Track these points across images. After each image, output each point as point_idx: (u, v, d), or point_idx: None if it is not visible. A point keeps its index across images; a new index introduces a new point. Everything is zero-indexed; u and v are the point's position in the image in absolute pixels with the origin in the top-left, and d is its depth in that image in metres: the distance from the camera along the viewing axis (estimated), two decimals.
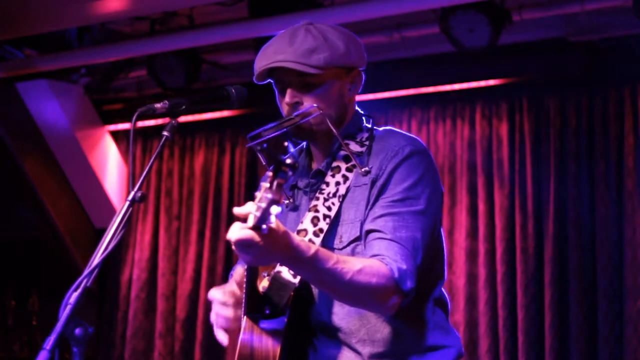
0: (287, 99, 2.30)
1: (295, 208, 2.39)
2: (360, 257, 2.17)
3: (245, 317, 2.22)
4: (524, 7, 4.77)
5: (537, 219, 5.07)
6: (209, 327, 5.88)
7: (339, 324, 2.26)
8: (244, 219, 1.88)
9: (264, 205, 1.79)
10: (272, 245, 1.91)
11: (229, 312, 2.31)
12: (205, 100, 2.31)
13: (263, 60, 2.29)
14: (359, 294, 2.11)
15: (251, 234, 1.87)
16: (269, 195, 1.78)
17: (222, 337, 2.33)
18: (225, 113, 5.97)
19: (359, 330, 2.25)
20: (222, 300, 2.32)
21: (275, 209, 1.80)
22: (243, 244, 1.89)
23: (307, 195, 2.37)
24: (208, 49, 5.55)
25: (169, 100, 2.19)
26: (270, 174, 1.79)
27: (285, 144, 1.88)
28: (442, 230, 2.37)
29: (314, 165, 2.40)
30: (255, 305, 2.20)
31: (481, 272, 5.16)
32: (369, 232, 2.20)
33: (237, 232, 1.88)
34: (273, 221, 1.85)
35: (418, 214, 2.21)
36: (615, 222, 4.89)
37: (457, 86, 5.37)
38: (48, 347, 1.82)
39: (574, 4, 4.67)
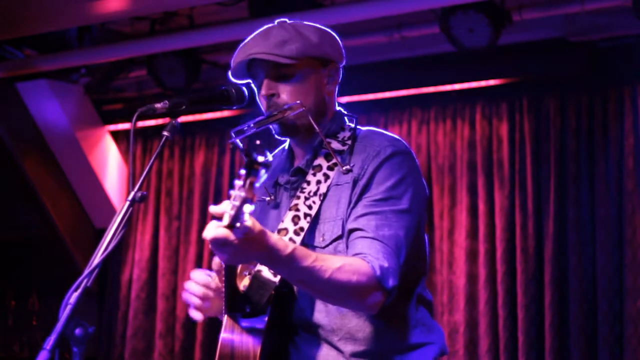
0: (262, 90, 2.32)
1: (276, 205, 2.40)
2: (341, 255, 2.18)
3: (225, 315, 2.22)
4: (524, 7, 4.77)
5: (537, 219, 5.07)
6: (209, 327, 5.90)
7: (321, 322, 2.26)
8: (219, 218, 1.88)
9: (237, 203, 1.80)
10: (247, 244, 1.92)
11: (201, 291, 2.30)
12: (205, 100, 2.31)
13: (238, 56, 2.33)
14: (339, 292, 2.11)
15: (226, 232, 1.87)
16: (242, 194, 1.79)
17: (196, 315, 2.31)
18: (225, 113, 5.97)
19: (341, 329, 2.26)
20: (203, 282, 2.31)
21: (248, 208, 1.80)
22: (218, 242, 1.90)
23: (287, 192, 2.38)
24: (208, 49, 5.55)
25: (169, 100, 2.20)
26: (243, 172, 1.80)
27: (258, 142, 1.88)
28: (424, 232, 2.37)
29: (296, 162, 2.41)
30: (235, 303, 2.20)
31: (481, 272, 5.16)
32: (351, 231, 2.21)
33: (212, 230, 1.89)
34: (247, 219, 1.85)
35: (401, 212, 2.22)
36: (615, 222, 4.89)
37: (457, 86, 5.37)
38: (48, 347, 1.82)
39: (574, 4, 4.67)
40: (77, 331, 1.86)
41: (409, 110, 5.54)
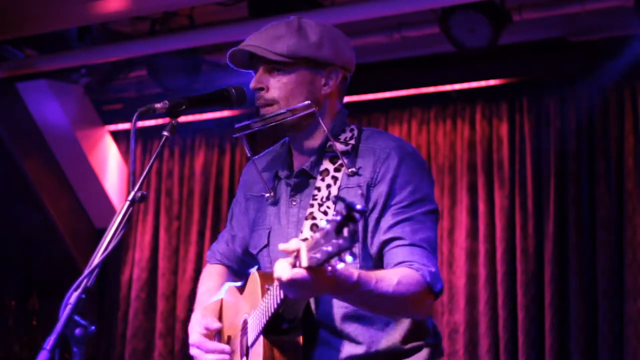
0: (251, 84, 2.33)
1: (275, 202, 2.40)
2: (392, 269, 2.18)
3: (262, 336, 2.22)
4: (524, 7, 4.77)
5: (537, 219, 5.07)
6: None
7: (325, 323, 2.29)
8: (287, 254, 1.90)
9: (331, 249, 1.75)
10: (319, 283, 1.92)
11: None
12: (206, 100, 2.31)
13: (236, 47, 2.34)
14: (401, 306, 2.14)
15: (303, 273, 1.88)
16: (340, 242, 1.74)
17: None
18: (225, 113, 5.97)
19: (342, 331, 2.28)
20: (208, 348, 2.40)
21: (348, 258, 1.75)
22: (293, 283, 1.91)
23: (288, 187, 2.38)
24: (208, 49, 5.55)
25: (169, 100, 2.20)
26: (336, 217, 1.75)
27: (360, 191, 1.89)
28: None
29: (296, 161, 2.39)
30: (272, 323, 2.20)
31: (481, 272, 5.16)
32: (387, 241, 2.22)
33: (287, 271, 1.90)
34: (339, 268, 1.82)
35: (428, 213, 2.25)
36: (616, 222, 4.89)
37: (457, 86, 5.38)
38: (48, 347, 1.82)
39: (574, 4, 4.66)
40: (77, 331, 1.86)
41: (409, 110, 5.54)
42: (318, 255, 1.79)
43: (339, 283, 1.98)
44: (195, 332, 2.43)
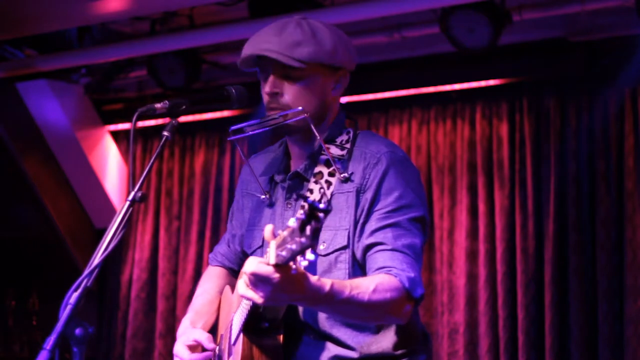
0: (267, 88, 2.31)
1: (271, 204, 2.40)
2: (369, 276, 2.18)
3: (242, 334, 2.22)
4: (524, 7, 4.77)
5: (537, 219, 5.07)
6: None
7: (313, 326, 2.29)
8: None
9: (294, 247, 1.77)
10: (288, 285, 1.92)
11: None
12: (206, 100, 2.32)
13: (249, 48, 2.31)
14: (377, 312, 2.14)
15: (269, 269, 1.88)
16: (303, 240, 1.76)
17: None
18: (225, 113, 5.97)
19: (331, 335, 2.28)
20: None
21: (310, 256, 1.77)
22: (258, 278, 1.90)
23: (284, 191, 2.38)
24: (208, 49, 5.56)
25: (169, 100, 2.20)
26: (301, 216, 1.76)
27: (321, 188, 1.86)
28: None
29: (292, 164, 2.40)
30: (253, 322, 2.20)
31: (481, 272, 5.16)
32: (370, 246, 2.22)
33: (253, 265, 1.91)
34: (303, 266, 1.84)
35: (414, 220, 2.24)
36: (615, 222, 4.89)
37: (457, 86, 5.38)
38: (48, 347, 1.82)
39: (574, 4, 4.67)
40: (77, 331, 1.87)
41: (409, 110, 5.54)
42: (284, 253, 1.81)
43: (309, 292, 1.98)
44: (181, 341, 2.45)
